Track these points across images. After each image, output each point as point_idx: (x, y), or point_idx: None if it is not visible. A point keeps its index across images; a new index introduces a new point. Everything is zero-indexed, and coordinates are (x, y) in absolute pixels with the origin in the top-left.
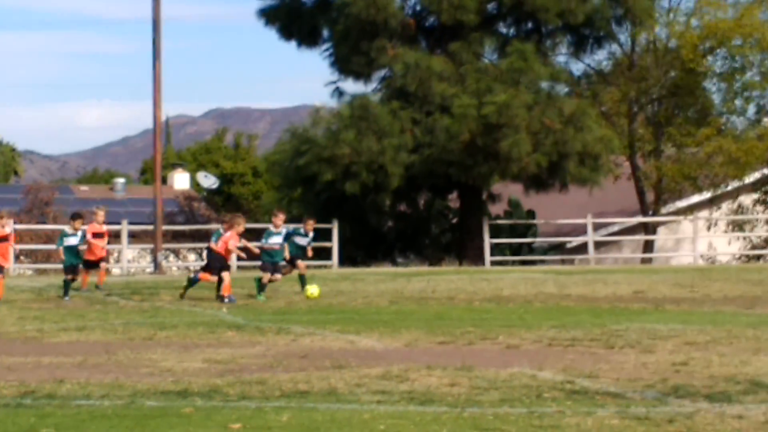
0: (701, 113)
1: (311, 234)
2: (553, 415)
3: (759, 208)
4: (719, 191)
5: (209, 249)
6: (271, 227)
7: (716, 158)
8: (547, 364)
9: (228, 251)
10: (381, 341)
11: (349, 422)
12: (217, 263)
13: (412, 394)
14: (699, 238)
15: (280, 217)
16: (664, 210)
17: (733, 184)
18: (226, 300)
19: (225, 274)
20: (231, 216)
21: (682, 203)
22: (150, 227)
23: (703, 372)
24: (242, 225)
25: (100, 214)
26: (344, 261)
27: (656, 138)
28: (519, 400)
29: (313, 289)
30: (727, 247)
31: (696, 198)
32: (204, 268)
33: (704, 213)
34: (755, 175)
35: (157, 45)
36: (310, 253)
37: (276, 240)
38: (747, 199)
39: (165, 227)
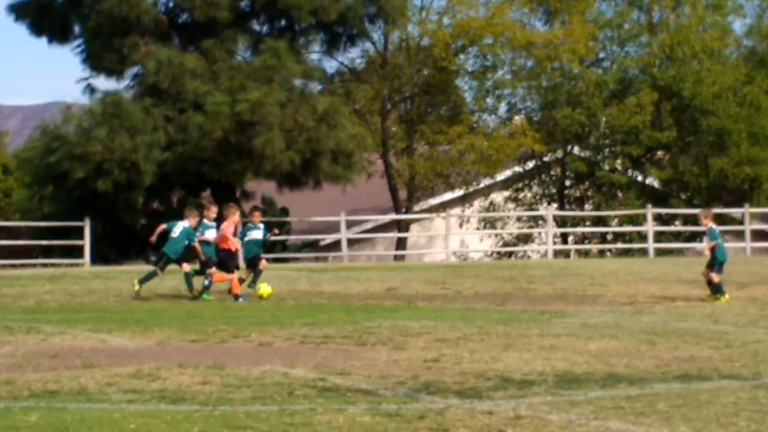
0: (453, 111)
1: (262, 225)
2: (304, 412)
3: (510, 205)
4: (471, 189)
5: (217, 247)
6: (206, 221)
7: (468, 156)
8: (299, 361)
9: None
10: (133, 340)
11: (99, 422)
12: (231, 261)
13: (164, 392)
14: (451, 235)
15: (213, 210)
16: (417, 207)
17: (485, 182)
18: (241, 299)
19: (236, 273)
20: (225, 206)
21: (434, 201)
22: None
23: (454, 368)
24: (237, 214)
25: None
26: (97, 259)
27: (409, 136)
28: (271, 397)
29: (266, 287)
30: (479, 244)
31: (448, 195)
32: (217, 267)
33: (456, 210)
34: (506, 173)
35: None
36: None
37: (211, 234)
38: (498, 197)
39: None
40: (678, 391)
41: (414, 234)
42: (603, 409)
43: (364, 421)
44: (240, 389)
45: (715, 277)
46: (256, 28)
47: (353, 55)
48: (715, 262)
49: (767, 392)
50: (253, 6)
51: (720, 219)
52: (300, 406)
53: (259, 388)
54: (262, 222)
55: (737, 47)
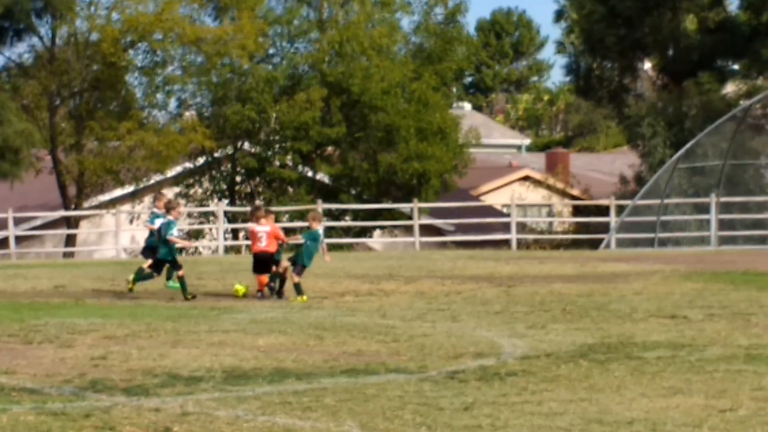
0: (123, 107)
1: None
2: None
3: (182, 201)
4: (141, 185)
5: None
6: (156, 209)
7: (138, 152)
8: None
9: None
10: None
11: None
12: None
13: None
14: (122, 232)
15: (163, 201)
16: (86, 204)
17: (156, 178)
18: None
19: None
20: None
21: (104, 197)
22: None
23: (121, 366)
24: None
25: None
26: None
27: (78, 132)
28: None
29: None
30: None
31: (119, 192)
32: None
33: (127, 206)
34: (177, 169)
35: None
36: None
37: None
38: (169, 193)
39: None
40: (345, 385)
41: (84, 231)
42: (270, 404)
43: (29, 420)
44: None
45: (296, 278)
46: None
47: (21, 50)
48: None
49: (433, 385)
50: None
51: (390, 214)
52: None
53: None
54: None
55: (405, 44)
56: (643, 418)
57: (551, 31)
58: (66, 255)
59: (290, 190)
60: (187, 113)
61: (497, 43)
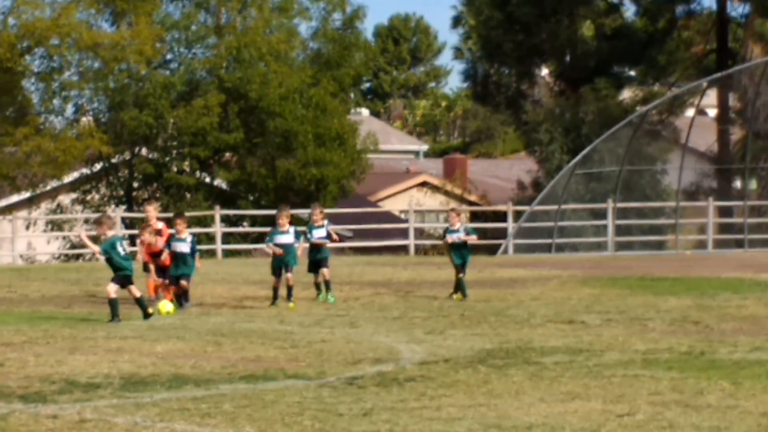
0: (20, 112)
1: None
2: None
3: (78, 207)
4: (38, 191)
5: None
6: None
7: (35, 158)
8: None
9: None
10: None
11: None
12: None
13: None
14: (18, 238)
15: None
16: None
17: (52, 184)
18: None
19: None
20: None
21: (0, 203)
22: None
23: (18, 372)
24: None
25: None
26: None
27: None
28: None
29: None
30: (46, 246)
31: (15, 198)
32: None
33: (23, 213)
34: (74, 175)
35: None
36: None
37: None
38: (66, 199)
39: None
40: (244, 391)
41: None
42: (169, 410)
43: None
44: None
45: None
46: None
47: None
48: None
49: (331, 391)
50: None
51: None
52: None
53: None
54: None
55: (303, 50)
56: (542, 423)
57: (449, 36)
58: None
59: (188, 195)
60: (84, 119)
61: (395, 48)
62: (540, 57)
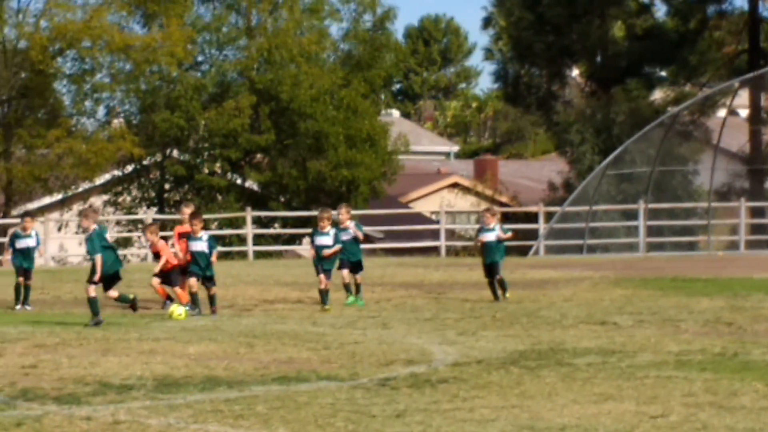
0: (52, 115)
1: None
2: None
3: (110, 209)
4: (70, 193)
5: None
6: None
7: (67, 160)
8: None
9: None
10: None
11: None
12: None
13: None
14: (50, 240)
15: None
16: (15, 212)
17: (84, 186)
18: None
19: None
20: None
21: (33, 205)
22: None
23: (52, 374)
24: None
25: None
26: None
27: (6, 140)
28: None
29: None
30: (78, 248)
31: (47, 200)
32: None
33: (55, 215)
34: (105, 177)
35: None
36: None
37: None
38: (98, 201)
39: None
40: (277, 393)
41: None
42: (202, 412)
43: None
44: None
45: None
46: None
47: None
48: None
49: (364, 393)
50: None
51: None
52: None
53: None
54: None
55: (334, 51)
56: (575, 424)
57: (479, 37)
58: None
59: (219, 197)
60: (115, 121)
61: (426, 49)
62: (571, 58)
